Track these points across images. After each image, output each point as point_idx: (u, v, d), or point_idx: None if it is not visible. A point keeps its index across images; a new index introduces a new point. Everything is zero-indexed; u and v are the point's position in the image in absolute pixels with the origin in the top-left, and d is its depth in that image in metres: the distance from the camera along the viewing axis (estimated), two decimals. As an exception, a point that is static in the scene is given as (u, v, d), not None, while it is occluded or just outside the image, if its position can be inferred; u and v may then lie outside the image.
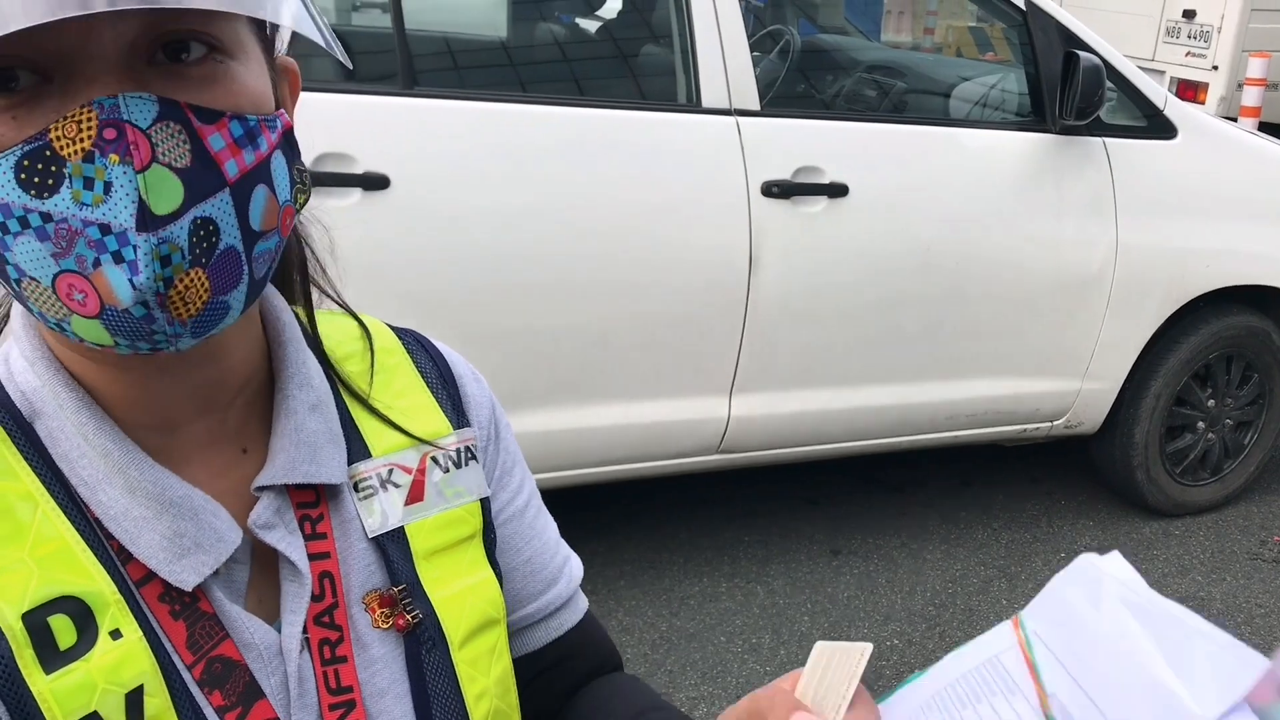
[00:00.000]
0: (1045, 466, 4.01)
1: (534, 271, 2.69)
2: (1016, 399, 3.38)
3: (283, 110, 0.68)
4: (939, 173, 3.11)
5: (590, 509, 3.52)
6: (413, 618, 0.76)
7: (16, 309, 0.71)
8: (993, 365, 3.29)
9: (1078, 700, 0.59)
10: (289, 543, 0.72)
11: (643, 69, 3.15)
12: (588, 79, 3.06)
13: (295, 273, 0.82)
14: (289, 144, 0.68)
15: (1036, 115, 3.26)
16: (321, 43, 0.63)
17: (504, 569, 0.86)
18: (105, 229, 0.57)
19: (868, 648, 0.67)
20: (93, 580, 0.65)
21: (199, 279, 0.60)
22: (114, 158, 0.57)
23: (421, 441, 0.81)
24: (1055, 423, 3.50)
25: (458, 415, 0.84)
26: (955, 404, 3.30)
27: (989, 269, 3.17)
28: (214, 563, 0.68)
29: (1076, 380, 3.43)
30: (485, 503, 0.83)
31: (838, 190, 2.93)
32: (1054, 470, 4.00)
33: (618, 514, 3.55)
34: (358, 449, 0.78)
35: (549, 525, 0.93)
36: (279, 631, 0.71)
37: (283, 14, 0.60)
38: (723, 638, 3.02)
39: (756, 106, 2.87)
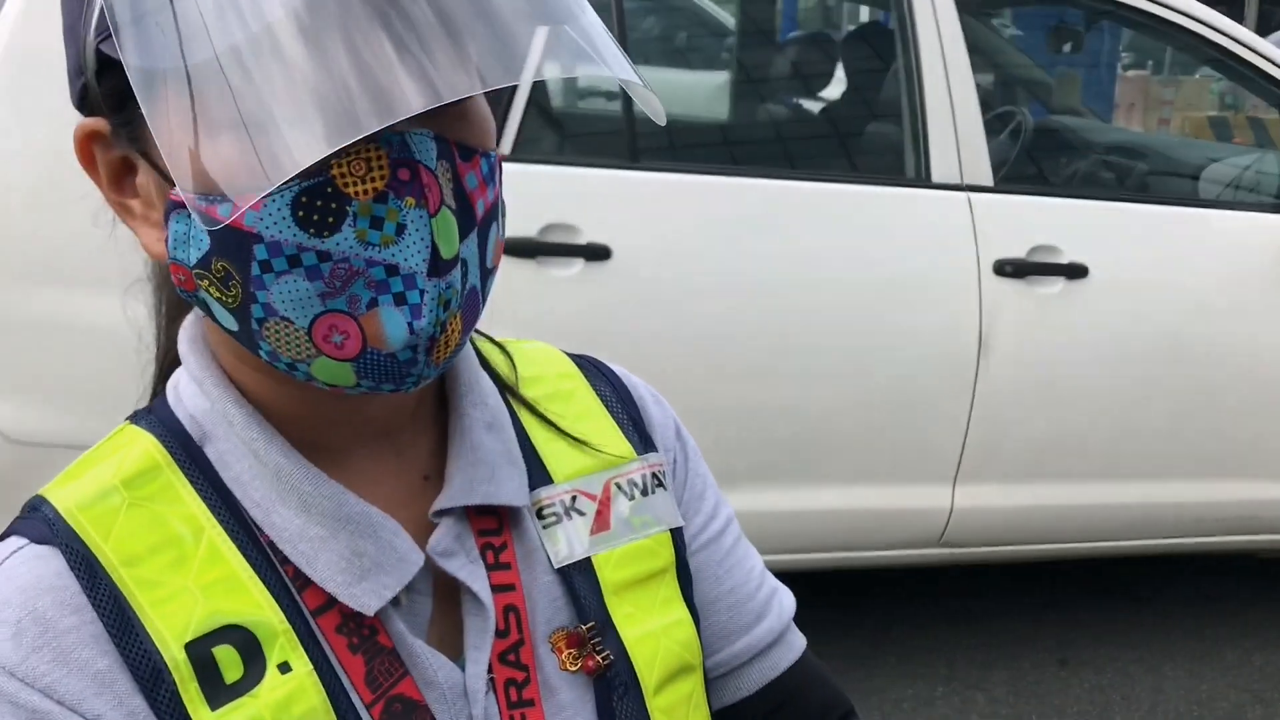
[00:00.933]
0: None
1: (754, 348, 2.62)
2: (1274, 504, 3.08)
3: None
4: (1188, 257, 2.90)
5: (798, 598, 3.38)
6: (603, 659, 0.70)
7: (186, 336, 0.68)
8: (1248, 467, 3.02)
9: None
10: (471, 572, 0.67)
11: (871, 145, 3.08)
12: (813, 156, 3.02)
13: None
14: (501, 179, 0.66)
15: (1299, 197, 3.01)
16: (642, 87, 0.58)
17: (701, 604, 0.79)
18: (392, 270, 0.55)
19: None
20: (260, 609, 0.62)
21: (456, 321, 0.59)
22: (410, 200, 0.55)
23: (606, 466, 0.75)
24: (1319, 533, 3.17)
25: (642, 440, 0.79)
26: (1204, 507, 3.03)
27: (1243, 360, 2.92)
28: (396, 585, 0.64)
29: (1344, 487, 3.10)
30: (677, 534, 0.77)
31: (1076, 271, 2.77)
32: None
33: (828, 605, 3.40)
34: (538, 474, 0.73)
35: (751, 554, 0.85)
36: (463, 670, 0.66)
37: (619, 68, 0.56)
38: (939, 746, 2.82)
39: (990, 182, 2.76)
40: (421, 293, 0.56)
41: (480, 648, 0.66)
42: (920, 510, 2.85)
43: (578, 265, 2.51)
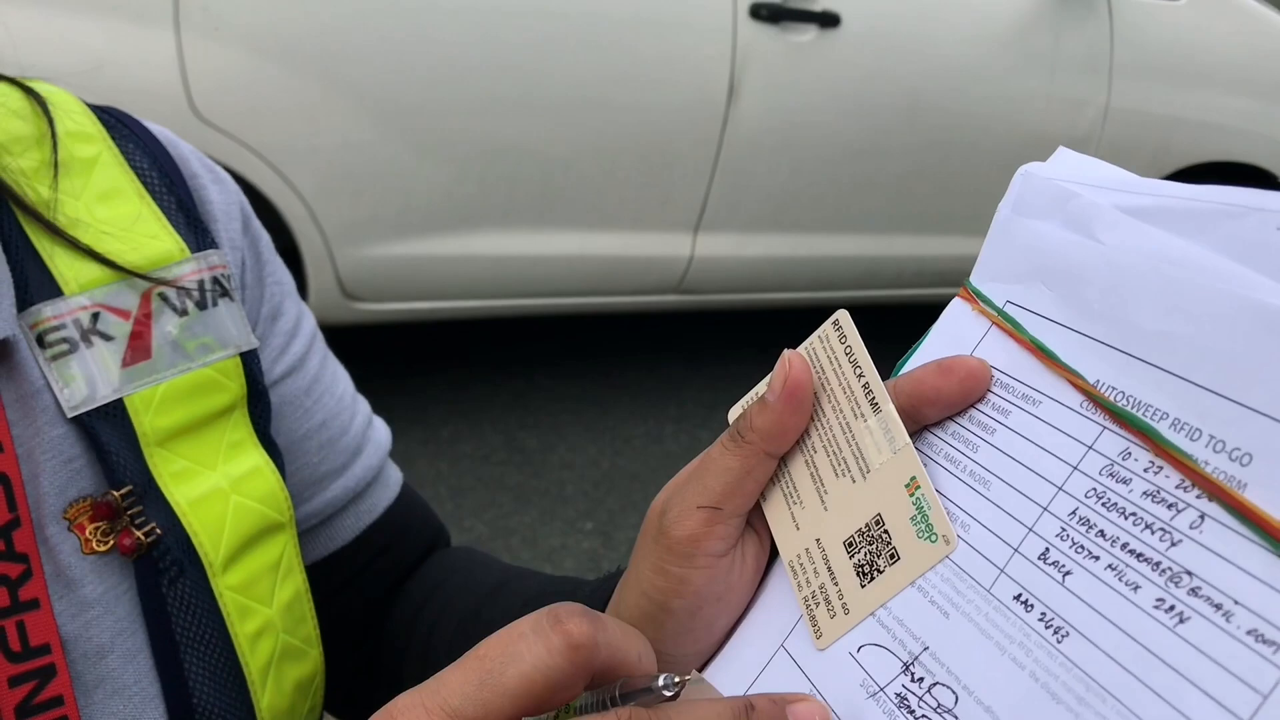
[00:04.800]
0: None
1: (498, 83, 2.47)
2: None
3: None
4: (936, 13, 2.91)
5: (538, 339, 3.39)
6: (145, 535, 0.52)
7: None
8: (968, 224, 3.17)
9: (1138, 375, 0.36)
10: None
11: None
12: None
13: None
14: None
15: (1043, -40, 3.06)
16: None
17: (285, 446, 0.63)
18: None
19: (840, 315, 0.45)
20: None
21: None
22: None
23: (144, 269, 0.55)
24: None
25: (195, 232, 0.58)
26: (924, 260, 3.19)
27: (974, 122, 3.01)
28: None
29: (1048, 246, 3.32)
30: (249, 357, 0.58)
31: (830, 20, 2.73)
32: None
33: (565, 347, 3.43)
34: (39, 284, 0.52)
35: (340, 375, 0.69)
36: None
37: None
38: (665, 480, 2.93)
39: (751, -81, 2.64)
40: None
41: None
42: (661, 257, 2.85)
43: (307, -24, 2.25)
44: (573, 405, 3.17)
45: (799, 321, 3.63)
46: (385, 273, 2.58)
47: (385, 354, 3.24)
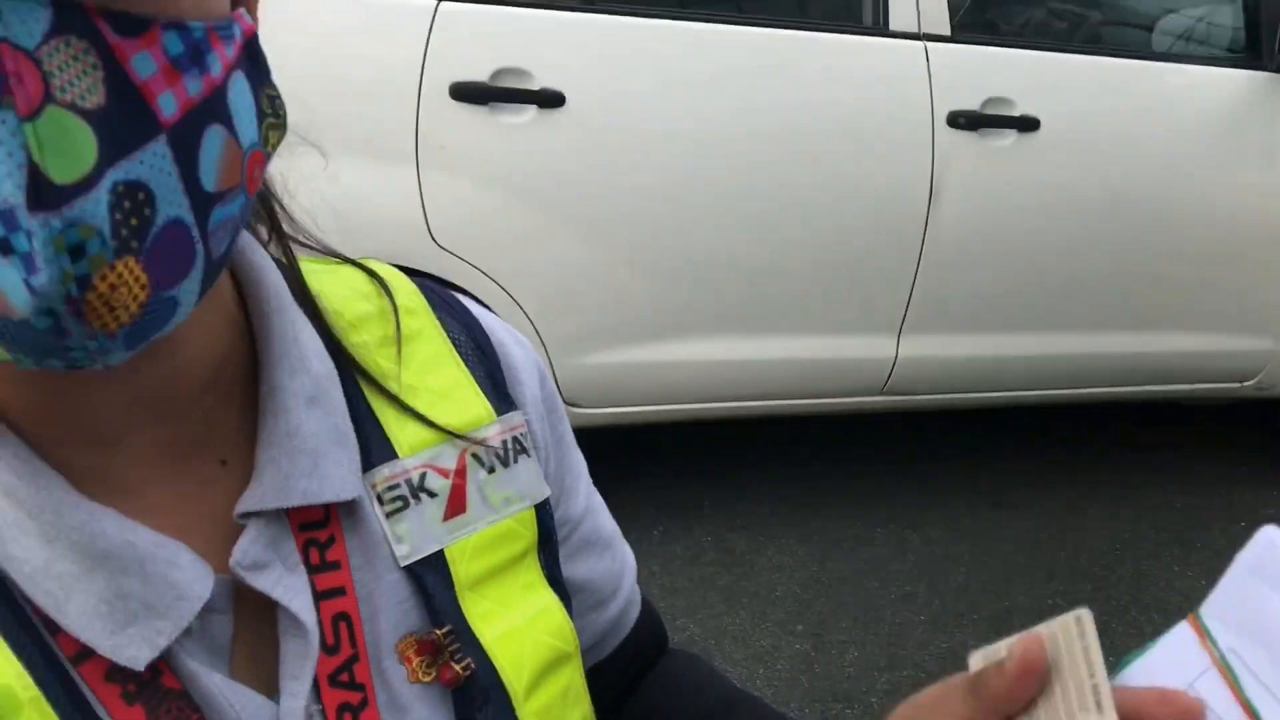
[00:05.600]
0: (1228, 431, 3.79)
1: (705, 197, 2.61)
2: (1205, 356, 3.18)
3: (241, 10, 0.47)
4: (1139, 111, 2.91)
5: (744, 443, 3.47)
6: (462, 669, 0.58)
7: None
8: (1182, 319, 3.10)
9: None
10: (288, 585, 0.53)
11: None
12: (765, 0, 2.95)
13: (262, 220, 0.62)
14: (254, 60, 0.47)
15: (1251, 51, 3.01)
16: None
17: (568, 583, 0.69)
18: None
19: (1084, 615, 0.47)
20: None
21: (131, 272, 0.41)
22: None
23: (461, 432, 0.62)
24: (1245, 384, 3.29)
25: (499, 396, 0.65)
26: (1138, 358, 3.13)
27: (1186, 216, 2.97)
28: (173, 630, 0.49)
29: (1271, 340, 3.20)
30: (542, 507, 0.65)
31: (1028, 124, 2.77)
32: (1238, 435, 3.77)
33: (773, 450, 3.49)
34: (379, 447, 0.59)
35: (603, 506, 0.76)
36: (278, 704, 0.53)
37: None
38: (875, 584, 2.93)
39: (947, 32, 2.72)
40: (28, 235, 0.38)
41: (300, 676, 0.53)
42: (865, 359, 2.90)
43: (530, 112, 2.46)
44: (781, 507, 3.22)
45: (1005, 421, 3.59)
46: (601, 379, 2.72)
47: (599, 456, 3.37)
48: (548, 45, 2.48)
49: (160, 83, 0.41)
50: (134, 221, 0.41)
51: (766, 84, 2.62)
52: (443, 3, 2.38)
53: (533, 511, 0.64)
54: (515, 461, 0.64)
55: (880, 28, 2.69)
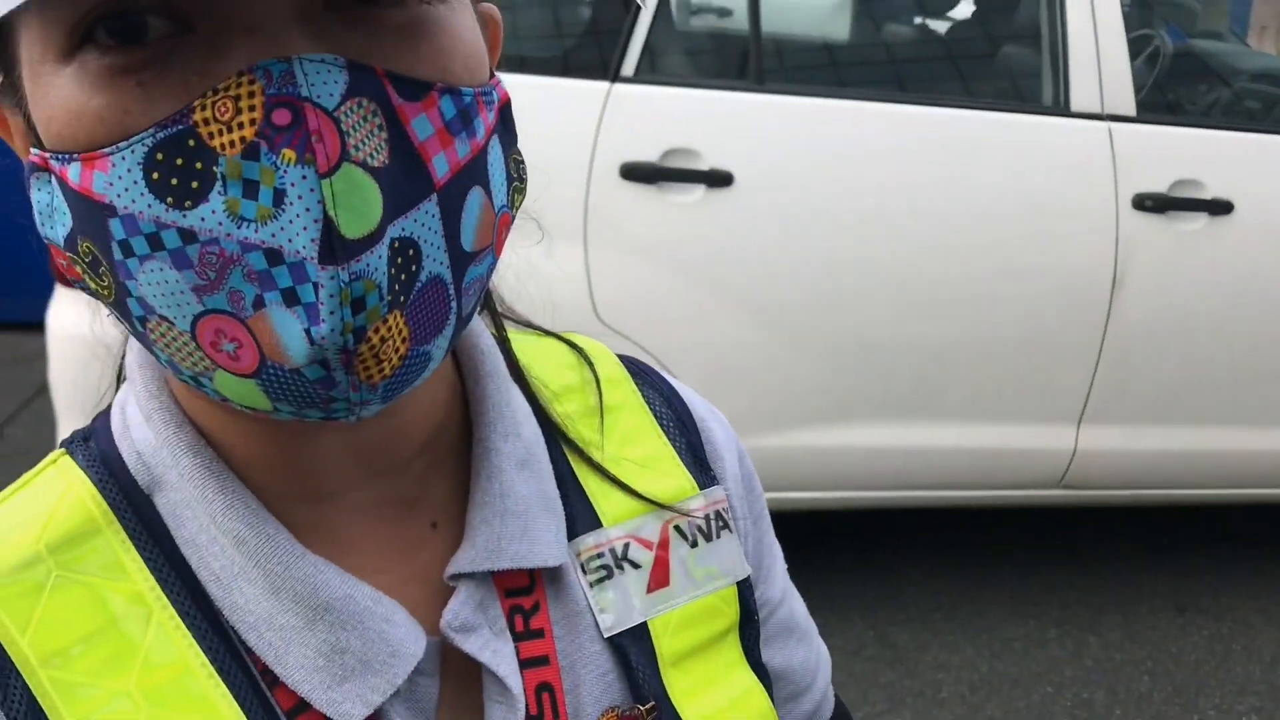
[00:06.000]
0: None
1: (872, 279, 2.56)
2: None
3: (498, 78, 0.49)
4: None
5: (908, 533, 3.34)
6: None
7: (133, 343, 0.54)
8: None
9: None
10: (495, 650, 0.53)
11: (1004, 69, 2.95)
12: (942, 79, 2.90)
13: None
14: (506, 125, 0.49)
15: None
16: None
17: (768, 667, 0.67)
18: (274, 257, 0.40)
19: None
20: (220, 718, 0.49)
21: (397, 326, 0.43)
22: (289, 154, 0.39)
23: (664, 504, 0.61)
24: None
25: (700, 470, 0.65)
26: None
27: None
28: (387, 687, 0.50)
29: None
30: (743, 585, 0.64)
31: (1220, 207, 2.63)
32: None
33: (939, 541, 3.35)
34: (583, 516, 0.59)
35: (799, 598, 0.75)
36: None
37: None
38: (1050, 688, 2.77)
39: (1132, 112, 2.62)
40: (316, 286, 0.40)
41: None
42: (1042, 450, 2.77)
43: (699, 191, 2.46)
44: (946, 602, 3.08)
45: (1190, 516, 3.39)
46: (762, 463, 2.65)
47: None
48: (717, 125, 2.48)
49: (435, 144, 0.43)
50: (404, 277, 0.42)
51: (939, 164, 2.56)
52: (616, 84, 2.41)
53: (735, 588, 0.63)
54: (718, 536, 0.63)
55: (1061, 108, 2.61)
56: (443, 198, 0.44)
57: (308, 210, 0.39)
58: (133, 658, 0.49)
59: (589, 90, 2.41)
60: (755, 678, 0.63)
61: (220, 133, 0.40)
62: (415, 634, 0.52)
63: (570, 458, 0.61)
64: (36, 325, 2.80)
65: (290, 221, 0.40)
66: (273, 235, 0.40)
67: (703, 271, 2.49)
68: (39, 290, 2.90)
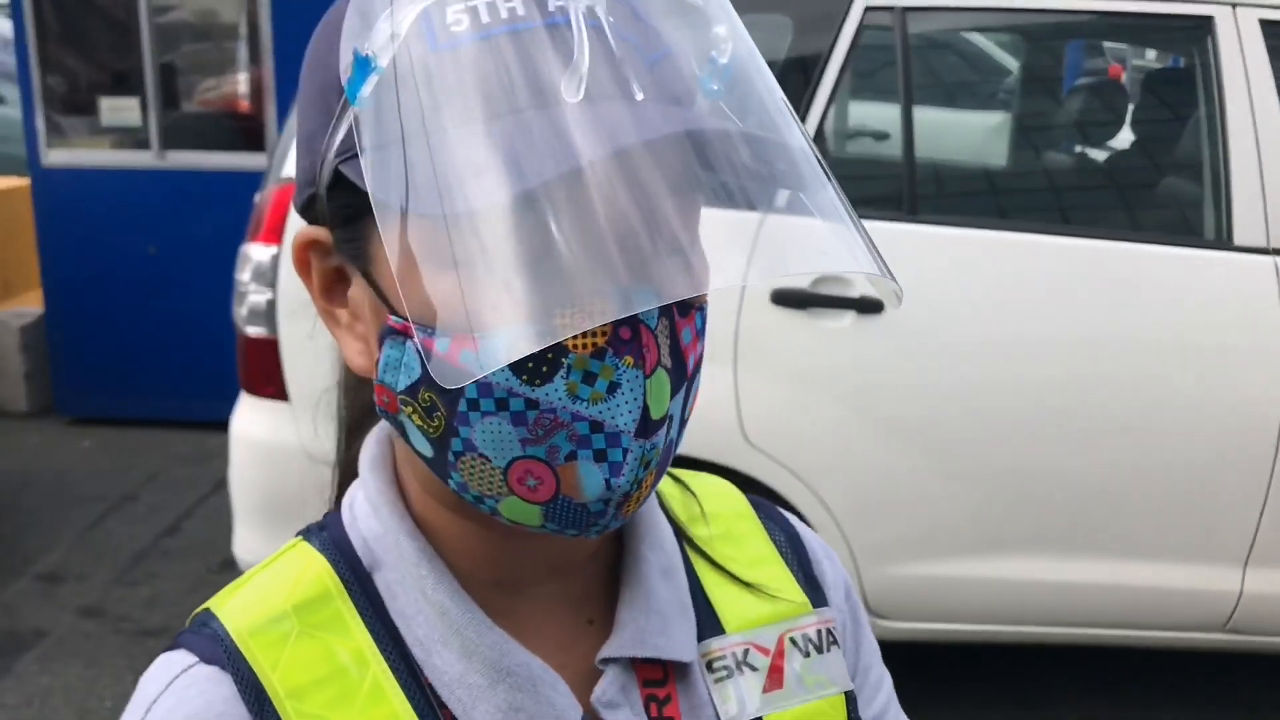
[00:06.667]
0: None
1: (1029, 410, 2.53)
2: None
3: None
4: None
5: (1062, 670, 3.22)
6: None
7: (368, 454, 0.67)
8: None
9: None
10: None
11: (1164, 201, 2.92)
12: (1098, 210, 2.88)
13: None
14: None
15: None
16: (881, 273, 0.57)
17: None
18: (597, 426, 0.54)
19: None
20: None
21: (652, 477, 0.57)
22: (628, 360, 0.53)
23: (780, 618, 0.71)
24: None
25: (814, 592, 0.74)
26: None
27: None
28: None
29: None
30: (849, 696, 0.72)
31: (1398, 346, 2.52)
32: None
33: (1094, 681, 3.22)
34: (709, 623, 0.70)
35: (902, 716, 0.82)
36: None
37: (865, 262, 0.57)
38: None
39: (1299, 245, 2.56)
40: (625, 452, 0.54)
41: None
42: (1205, 592, 2.66)
43: (849, 317, 2.49)
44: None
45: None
46: (910, 592, 2.63)
47: (902, 673, 3.22)
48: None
49: (691, 347, 0.57)
50: (665, 443, 0.57)
51: (1095, 297, 2.54)
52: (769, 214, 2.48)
53: (842, 698, 0.71)
54: (827, 650, 0.72)
55: (1224, 242, 2.56)
56: (688, 385, 0.58)
57: (635, 398, 0.54)
58: (354, 700, 0.61)
59: (743, 219, 2.48)
60: None
61: (574, 338, 0.53)
62: (573, 704, 0.62)
63: (699, 571, 0.72)
64: (215, 424, 2.98)
65: (619, 405, 0.54)
66: (600, 412, 0.54)
67: (852, 396, 2.51)
68: (222, 393, 3.11)
